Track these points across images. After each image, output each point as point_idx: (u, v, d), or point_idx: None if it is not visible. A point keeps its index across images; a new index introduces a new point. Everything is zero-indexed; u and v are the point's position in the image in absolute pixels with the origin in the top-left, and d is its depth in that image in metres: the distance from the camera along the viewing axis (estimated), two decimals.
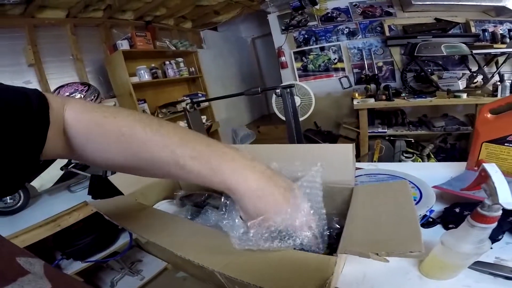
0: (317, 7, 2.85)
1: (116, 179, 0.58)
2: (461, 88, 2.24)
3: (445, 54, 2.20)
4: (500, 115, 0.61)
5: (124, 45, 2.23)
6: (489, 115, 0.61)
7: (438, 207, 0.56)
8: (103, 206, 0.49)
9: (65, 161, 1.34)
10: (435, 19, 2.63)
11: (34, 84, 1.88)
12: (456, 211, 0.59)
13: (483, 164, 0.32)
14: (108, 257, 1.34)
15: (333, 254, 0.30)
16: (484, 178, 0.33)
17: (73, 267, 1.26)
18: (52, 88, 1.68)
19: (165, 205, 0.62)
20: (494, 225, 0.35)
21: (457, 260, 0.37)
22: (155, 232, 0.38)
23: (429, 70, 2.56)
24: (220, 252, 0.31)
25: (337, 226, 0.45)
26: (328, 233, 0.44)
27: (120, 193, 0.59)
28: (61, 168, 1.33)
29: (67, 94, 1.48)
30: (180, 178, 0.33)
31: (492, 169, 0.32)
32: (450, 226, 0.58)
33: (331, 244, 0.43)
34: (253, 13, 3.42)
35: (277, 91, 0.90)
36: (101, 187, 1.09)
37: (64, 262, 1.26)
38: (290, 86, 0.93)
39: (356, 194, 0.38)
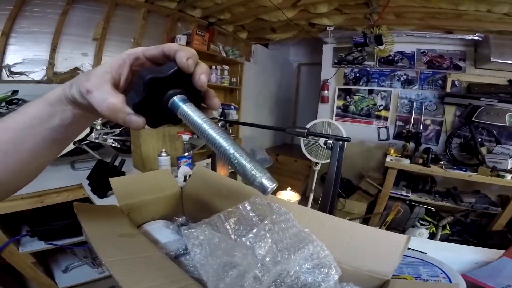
0: (382, 47, 2.64)
1: (116, 184, 0.53)
2: (509, 167, 1.99)
3: (507, 124, 1.95)
4: None
5: (182, 40, 2.31)
6: None
7: None
8: (87, 214, 0.43)
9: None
10: (508, 81, 2.34)
11: (89, 57, 2.01)
12: None
13: None
14: (77, 245, 1.27)
15: None
16: None
17: (33, 246, 1.17)
18: None
19: (160, 226, 0.55)
20: None
21: None
22: (122, 269, 0.31)
23: (479, 140, 2.27)
24: None
25: None
26: None
27: None
28: (74, 143, 1.28)
29: None
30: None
31: None
32: None
33: None
34: (307, 38, 3.39)
35: (328, 141, 0.78)
36: (103, 176, 1.04)
37: (26, 239, 1.17)
38: (346, 140, 0.80)
39: None
